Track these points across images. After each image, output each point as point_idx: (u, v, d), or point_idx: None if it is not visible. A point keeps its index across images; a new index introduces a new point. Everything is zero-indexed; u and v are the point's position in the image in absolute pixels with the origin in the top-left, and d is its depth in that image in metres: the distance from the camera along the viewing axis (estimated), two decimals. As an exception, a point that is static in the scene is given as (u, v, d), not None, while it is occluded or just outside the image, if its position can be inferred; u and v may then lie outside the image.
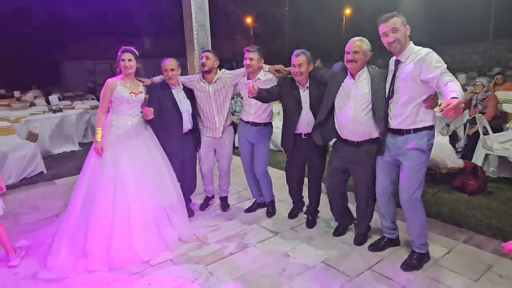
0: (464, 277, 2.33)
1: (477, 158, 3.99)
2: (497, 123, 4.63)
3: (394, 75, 2.33)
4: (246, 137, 3.31)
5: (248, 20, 24.32)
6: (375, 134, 2.54)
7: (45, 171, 5.18)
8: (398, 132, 2.36)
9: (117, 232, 2.65)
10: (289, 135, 2.98)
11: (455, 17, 14.11)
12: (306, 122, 2.90)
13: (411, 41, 2.30)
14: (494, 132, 4.14)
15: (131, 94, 2.86)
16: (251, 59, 3.04)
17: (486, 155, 3.97)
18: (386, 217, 2.65)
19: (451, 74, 2.07)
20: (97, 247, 2.62)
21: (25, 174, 4.91)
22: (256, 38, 24.36)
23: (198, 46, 5.95)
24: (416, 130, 2.28)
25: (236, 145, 6.04)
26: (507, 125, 4.75)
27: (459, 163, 3.71)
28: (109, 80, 2.86)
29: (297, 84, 2.88)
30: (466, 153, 4.39)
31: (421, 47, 2.27)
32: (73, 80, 18.19)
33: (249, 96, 2.80)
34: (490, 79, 6.77)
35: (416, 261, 2.45)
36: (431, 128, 2.32)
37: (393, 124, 2.38)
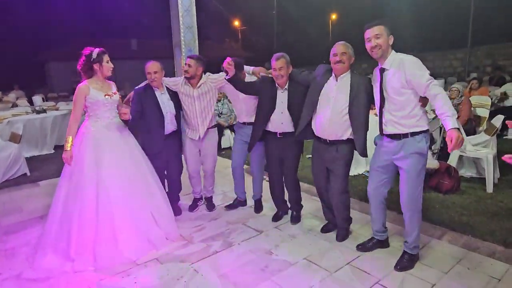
0: (435, 270, 2.47)
1: (452, 160, 4.19)
2: (471, 127, 4.87)
3: (381, 83, 2.40)
4: (242, 138, 3.43)
5: (237, 22, 24.46)
6: (346, 136, 2.68)
7: (28, 173, 5.13)
8: (394, 136, 2.41)
9: (102, 233, 2.67)
10: (258, 132, 3.11)
11: (437, 24, 14.60)
12: (281, 121, 3.02)
13: (393, 50, 2.40)
14: (467, 135, 4.35)
15: (106, 96, 2.81)
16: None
17: (460, 157, 4.18)
18: (377, 221, 2.72)
19: (436, 82, 2.20)
20: (82, 248, 2.64)
21: (8, 175, 4.86)
22: (245, 40, 24.51)
23: (186, 48, 6.02)
24: (413, 134, 2.35)
25: (226, 146, 6.16)
26: (480, 128, 4.99)
27: (435, 164, 3.89)
28: (80, 85, 2.76)
29: (277, 85, 3.01)
30: (442, 154, 4.59)
31: (403, 54, 2.36)
32: (58, 81, 17.86)
33: (226, 77, 2.98)
34: (466, 84, 7.09)
35: (407, 261, 2.53)
36: (427, 131, 2.38)
37: (388, 130, 2.44)
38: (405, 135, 2.37)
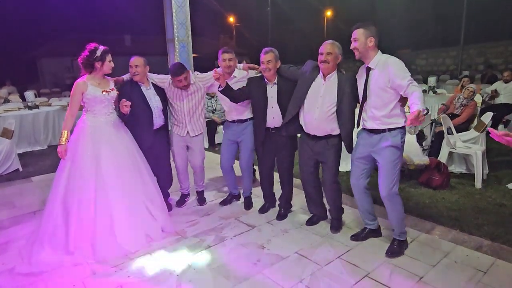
0: (423, 263, 2.53)
1: (442, 156, 4.26)
2: (464, 126, 4.94)
3: (366, 81, 2.53)
4: (230, 137, 3.43)
5: (231, 19, 24.38)
6: (336, 131, 2.76)
7: (20, 169, 5.11)
8: (373, 131, 2.56)
9: (100, 226, 2.71)
10: (260, 130, 3.14)
11: (430, 22, 14.72)
12: (272, 116, 3.06)
13: (379, 50, 2.51)
14: (458, 132, 4.42)
15: (104, 93, 2.83)
16: (230, 59, 3.18)
17: (450, 153, 4.25)
18: (362, 210, 2.82)
19: (416, 83, 2.35)
20: (81, 241, 2.67)
21: (0, 171, 4.84)
22: (239, 37, 24.44)
23: (179, 44, 6.02)
24: (390, 130, 2.50)
25: (220, 142, 6.18)
26: (471, 125, 5.06)
27: (425, 160, 3.96)
28: (78, 81, 2.79)
29: (265, 80, 3.05)
30: (433, 150, 4.66)
31: (388, 56, 2.49)
32: (50, 77, 17.71)
33: (218, 88, 3.02)
34: (458, 82, 7.15)
35: (397, 247, 2.66)
36: (402, 128, 2.54)
37: (368, 125, 2.58)
38: (383, 130, 2.52)
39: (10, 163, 4.98)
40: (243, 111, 3.32)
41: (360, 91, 2.60)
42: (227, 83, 3.03)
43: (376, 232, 2.88)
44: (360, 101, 2.61)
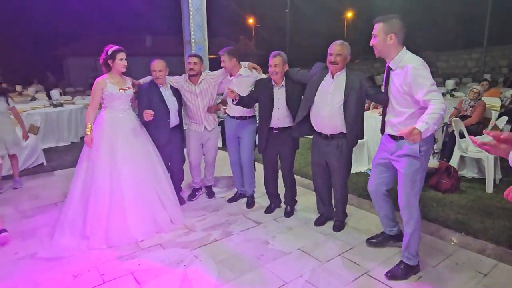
0: (424, 263, 2.54)
1: (453, 160, 4.22)
2: (478, 128, 4.86)
3: (387, 83, 2.36)
4: (232, 131, 3.59)
5: (250, 20, 24.57)
6: (345, 129, 2.82)
7: (45, 163, 5.40)
8: (392, 137, 2.40)
9: (113, 213, 2.93)
10: (264, 130, 3.25)
11: (452, 23, 14.37)
12: (277, 117, 3.17)
13: (404, 48, 2.26)
14: (471, 135, 4.36)
15: (121, 90, 3.09)
16: (223, 61, 3.36)
17: (461, 157, 4.21)
18: (381, 215, 2.71)
19: (437, 98, 2.06)
20: (96, 227, 2.90)
21: (26, 165, 5.13)
22: (258, 38, 24.60)
23: (195, 46, 6.19)
24: None
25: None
26: (485, 129, 4.97)
27: (435, 163, 3.94)
28: (98, 79, 3.05)
29: (273, 83, 3.16)
30: (445, 153, 4.62)
31: (410, 57, 2.23)
32: (75, 76, 18.44)
33: (232, 102, 3.15)
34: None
35: (402, 271, 2.36)
36: None
37: (387, 130, 2.43)
38: (400, 137, 2.25)
39: (36, 157, 5.29)
40: (244, 109, 3.42)
41: (384, 93, 2.45)
42: (240, 97, 3.13)
43: (395, 238, 2.73)
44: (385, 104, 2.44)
